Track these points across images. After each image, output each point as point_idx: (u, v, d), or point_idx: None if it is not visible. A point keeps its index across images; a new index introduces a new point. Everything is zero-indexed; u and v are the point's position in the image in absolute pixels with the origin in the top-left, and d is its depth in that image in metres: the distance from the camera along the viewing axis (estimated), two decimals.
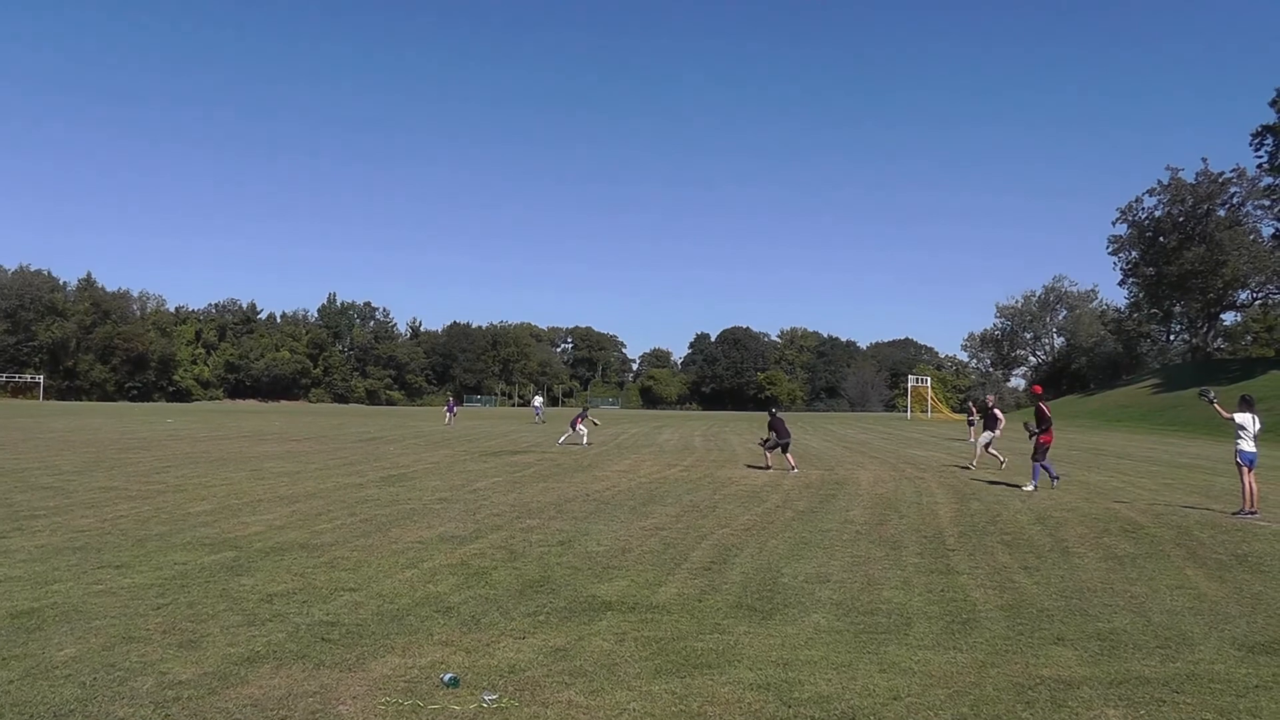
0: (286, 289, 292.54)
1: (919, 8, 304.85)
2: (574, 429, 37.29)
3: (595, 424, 38.52)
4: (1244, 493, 17.54)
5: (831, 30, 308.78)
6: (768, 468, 25.75)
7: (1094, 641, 8.70)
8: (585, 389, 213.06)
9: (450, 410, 63.21)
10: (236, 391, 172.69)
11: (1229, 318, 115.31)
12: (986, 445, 28.06)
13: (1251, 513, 17.23)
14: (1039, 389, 25.34)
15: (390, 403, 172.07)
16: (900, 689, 7.19)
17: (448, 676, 7.15)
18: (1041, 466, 21.49)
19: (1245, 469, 17.56)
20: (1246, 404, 18.06)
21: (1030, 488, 21.02)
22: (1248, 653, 8.48)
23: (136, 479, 21.09)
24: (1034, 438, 21.65)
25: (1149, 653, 8.39)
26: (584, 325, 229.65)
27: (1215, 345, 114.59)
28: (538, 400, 73.34)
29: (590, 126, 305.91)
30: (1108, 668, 7.90)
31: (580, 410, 41.68)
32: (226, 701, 6.62)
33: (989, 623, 9.31)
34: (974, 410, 47.83)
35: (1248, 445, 17.65)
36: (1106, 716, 6.73)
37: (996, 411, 28.63)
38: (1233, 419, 17.83)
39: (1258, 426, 17.96)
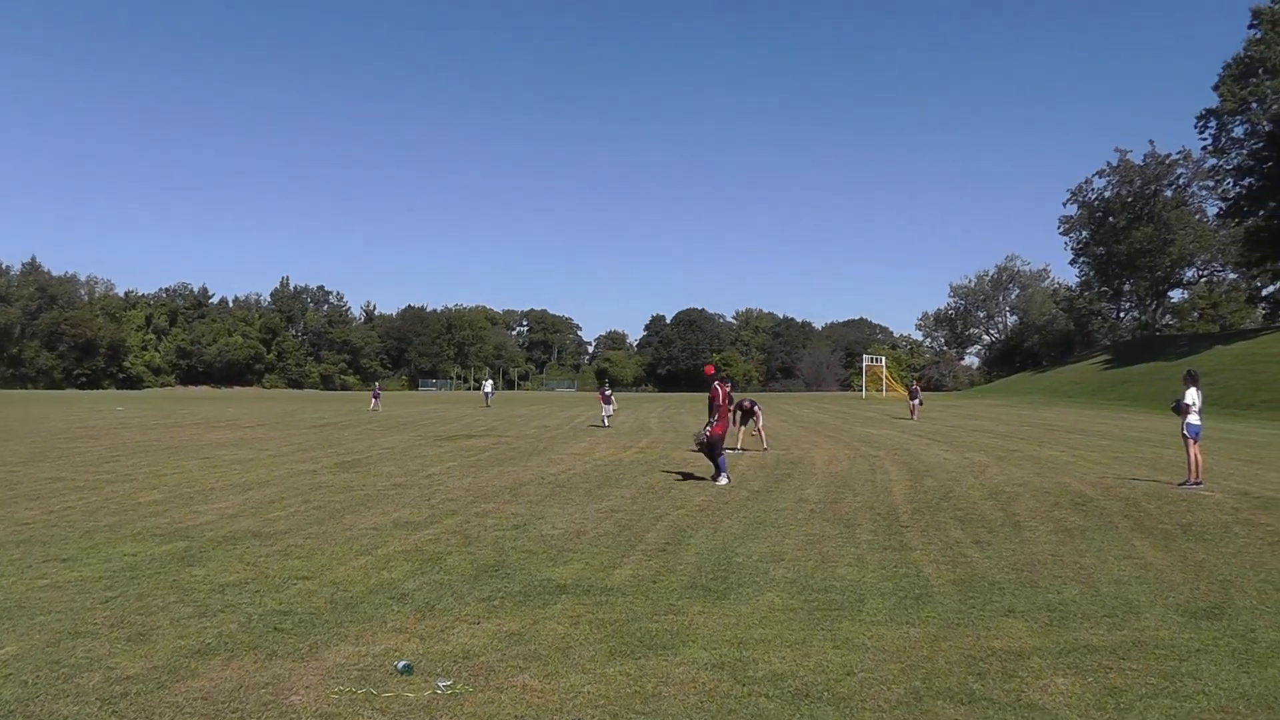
0: (239, 273, 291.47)
1: None
2: (610, 406, 38.32)
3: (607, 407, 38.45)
4: (1190, 464, 17.86)
5: (783, 5, 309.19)
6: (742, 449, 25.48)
7: (1044, 612, 8.81)
8: (541, 372, 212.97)
9: (375, 396, 61.67)
10: (189, 378, 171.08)
11: (1176, 295, 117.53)
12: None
13: (1196, 483, 17.53)
14: (710, 369, 20.58)
15: (345, 388, 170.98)
16: (854, 664, 7.23)
17: (401, 664, 7.11)
18: (714, 460, 18.92)
19: (1192, 441, 17.86)
20: (1192, 379, 18.43)
21: (724, 481, 18.29)
22: (1190, 618, 8.66)
23: (85, 469, 20.85)
24: (708, 428, 18.86)
25: (1097, 622, 8.51)
26: (539, 308, 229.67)
27: (1163, 322, 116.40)
28: (488, 385, 72.47)
29: (543, 109, 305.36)
30: (1057, 637, 8.00)
31: (602, 389, 41.21)
32: (176, 695, 6.53)
33: (941, 597, 9.39)
34: (917, 390, 48.87)
35: (1195, 419, 17.97)
36: (1055, 685, 6.82)
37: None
38: (1185, 401, 18.15)
39: (1201, 400, 18.35)
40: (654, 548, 11.94)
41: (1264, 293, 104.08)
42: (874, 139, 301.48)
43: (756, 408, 26.11)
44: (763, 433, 26.15)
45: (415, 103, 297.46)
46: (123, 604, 8.94)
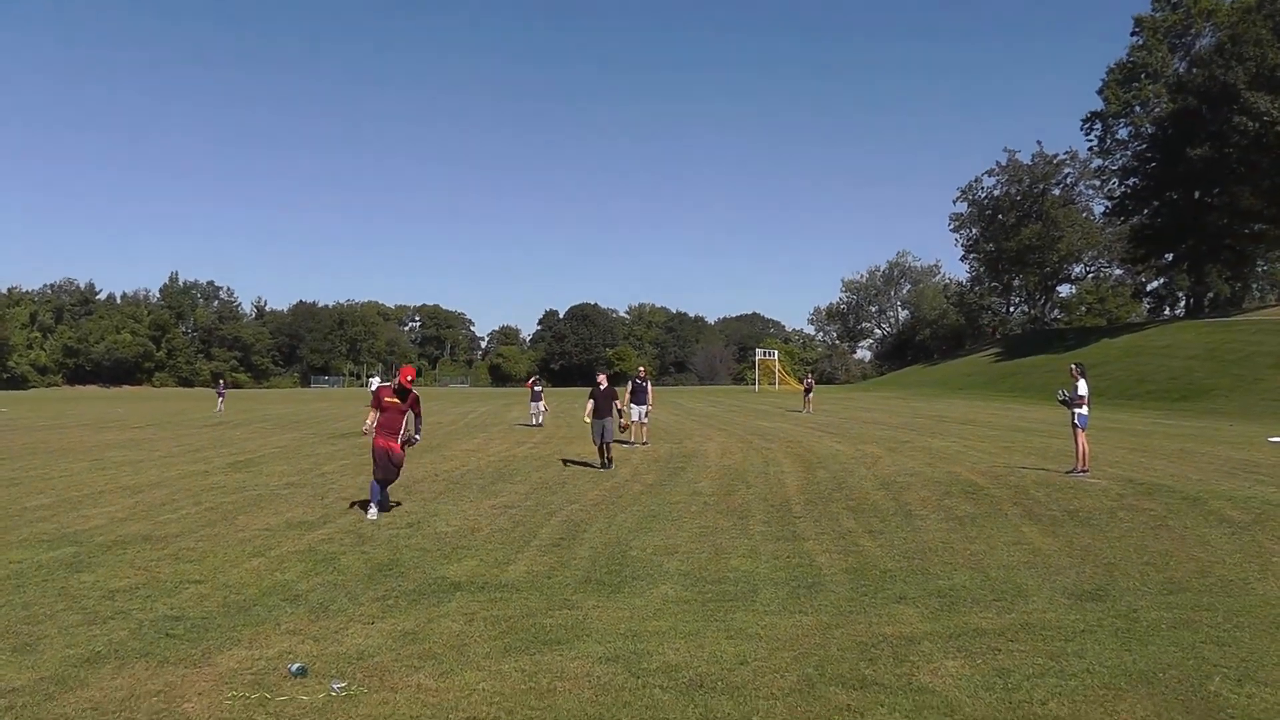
0: (127, 268, 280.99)
1: None
2: (541, 403, 35.82)
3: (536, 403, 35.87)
4: (1077, 453, 18.31)
5: (673, 9, 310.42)
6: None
7: (934, 598, 9.01)
8: (434, 368, 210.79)
9: (220, 395, 56.60)
10: (76, 377, 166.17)
11: (1065, 290, 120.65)
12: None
13: (1083, 471, 17.99)
14: (408, 372, 15.08)
15: (236, 385, 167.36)
16: (747, 654, 7.33)
17: (295, 666, 7.05)
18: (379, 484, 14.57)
19: (1080, 430, 18.33)
20: (1082, 371, 18.91)
21: (372, 514, 14.08)
22: (1076, 600, 8.97)
23: None
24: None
25: (986, 606, 8.75)
26: (431, 303, 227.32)
27: (1052, 316, 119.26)
28: (375, 382, 69.22)
29: (433, 102, 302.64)
30: (947, 622, 8.20)
31: (533, 385, 37.59)
32: (65, 706, 6.39)
33: (834, 586, 9.55)
34: (812, 384, 49.29)
35: (1084, 409, 18.44)
36: (945, 668, 6.99)
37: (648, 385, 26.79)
38: (1079, 394, 18.58)
39: (1089, 391, 18.87)
40: (548, 543, 11.99)
41: (1148, 288, 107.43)
42: (764, 134, 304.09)
43: (648, 384, 25.99)
44: (645, 427, 26.13)
45: (306, 99, 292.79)
46: (7, 614, 8.70)
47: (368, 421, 14.48)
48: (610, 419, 21.02)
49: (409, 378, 14.86)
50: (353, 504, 15.18)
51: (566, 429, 32.73)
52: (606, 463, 20.36)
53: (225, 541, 12.19)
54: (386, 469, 14.21)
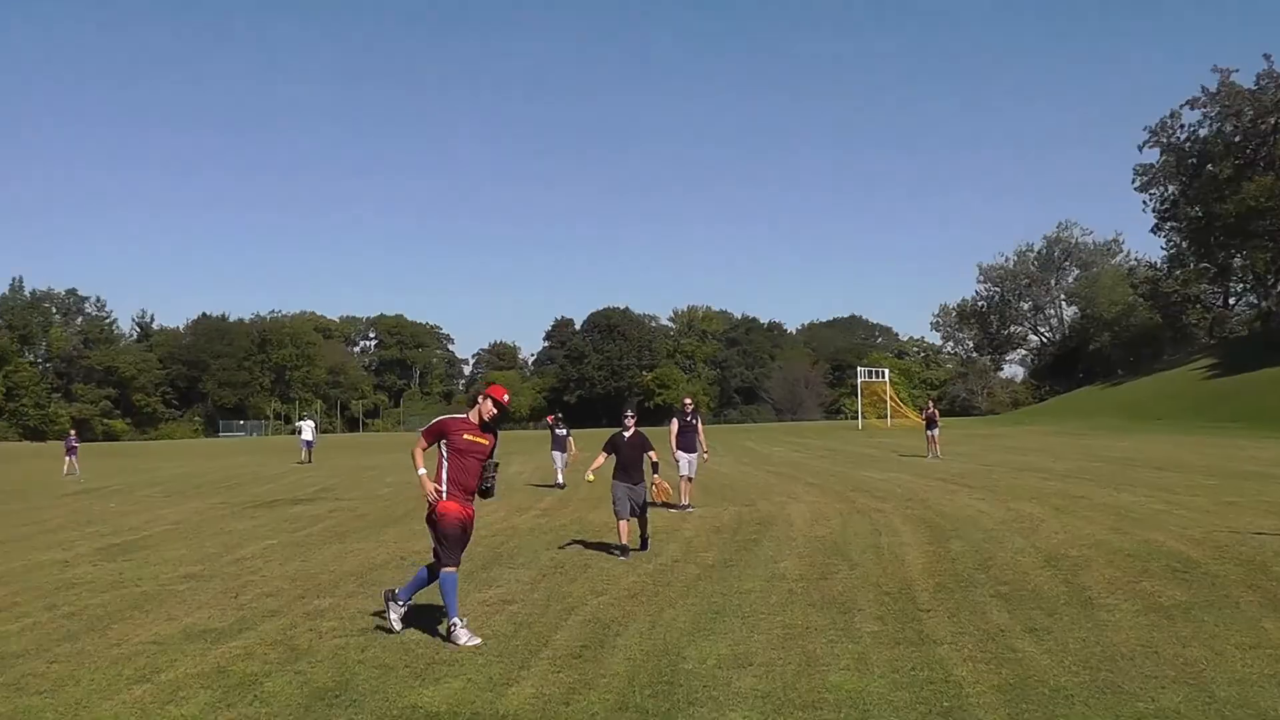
0: None
1: None
2: (565, 454, 35.46)
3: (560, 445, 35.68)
4: None
5: None
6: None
7: None
8: (397, 405, 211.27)
9: (70, 450, 55.08)
10: None
11: None
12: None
13: None
14: (502, 393, 13.51)
15: (111, 436, 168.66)
16: None
17: None
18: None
19: None
20: None
21: (396, 620, 13.47)
22: None
23: None
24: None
25: None
26: (392, 313, 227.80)
27: None
28: (308, 429, 63.38)
29: (381, 54, 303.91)
30: None
31: (555, 425, 37.28)
32: None
33: (981, 711, 9.41)
34: (935, 416, 48.77)
35: None
36: None
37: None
38: None
39: None
40: (566, 653, 11.93)
41: None
42: (857, 76, 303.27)
43: (698, 421, 25.95)
44: (691, 483, 26.10)
45: (190, 44, 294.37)
46: None
47: (420, 467, 13.55)
48: (643, 484, 19.68)
49: (505, 399, 13.49)
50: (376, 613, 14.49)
51: (587, 488, 32.62)
52: (641, 543, 19.37)
53: (94, 661, 12.17)
54: (461, 544, 13.50)
